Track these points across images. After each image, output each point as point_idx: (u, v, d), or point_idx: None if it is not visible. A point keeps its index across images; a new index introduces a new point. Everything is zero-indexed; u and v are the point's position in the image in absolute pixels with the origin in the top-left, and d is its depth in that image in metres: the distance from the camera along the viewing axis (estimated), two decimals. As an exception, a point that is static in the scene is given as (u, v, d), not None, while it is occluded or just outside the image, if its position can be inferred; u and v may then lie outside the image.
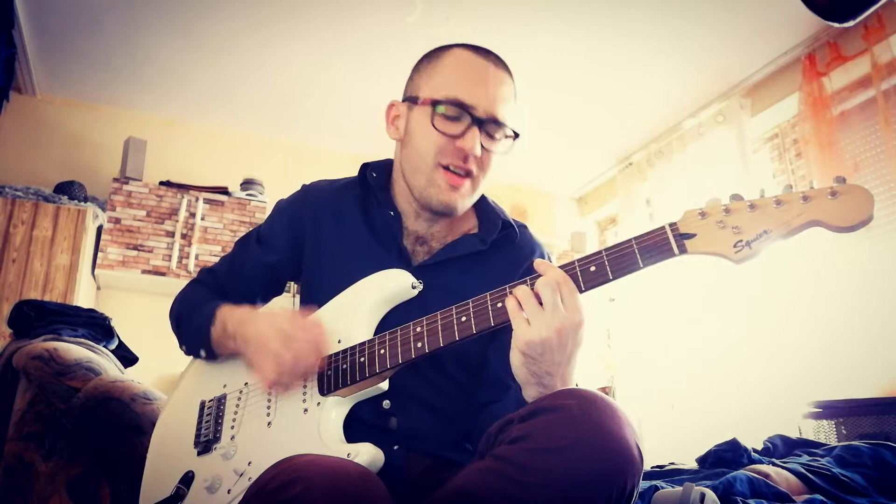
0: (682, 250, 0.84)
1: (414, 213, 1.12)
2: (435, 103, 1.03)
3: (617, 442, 0.71)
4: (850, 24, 2.03)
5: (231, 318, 1.07)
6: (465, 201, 1.07)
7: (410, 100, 1.09)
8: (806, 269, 3.01)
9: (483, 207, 1.17)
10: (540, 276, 0.88)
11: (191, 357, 1.22)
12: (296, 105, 3.83)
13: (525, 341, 0.84)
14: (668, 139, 3.93)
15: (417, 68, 1.12)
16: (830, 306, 2.91)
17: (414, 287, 1.02)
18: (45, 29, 3.16)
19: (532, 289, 0.86)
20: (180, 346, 1.20)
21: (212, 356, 1.13)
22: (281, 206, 1.23)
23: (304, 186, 1.23)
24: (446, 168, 1.04)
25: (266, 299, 1.26)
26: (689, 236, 0.84)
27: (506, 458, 0.74)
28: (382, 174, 1.17)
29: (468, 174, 1.05)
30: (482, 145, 1.03)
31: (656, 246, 0.85)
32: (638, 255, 0.85)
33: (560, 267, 0.89)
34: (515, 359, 0.86)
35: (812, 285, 3.00)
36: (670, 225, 0.86)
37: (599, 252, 0.88)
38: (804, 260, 3.00)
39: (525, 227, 1.19)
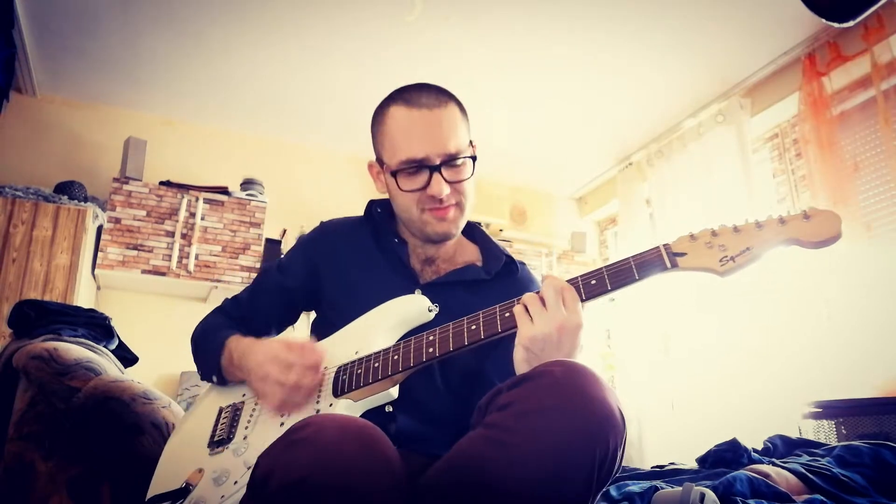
0: (674, 266, 0.94)
1: (420, 243, 1.23)
2: (395, 172, 1.14)
3: (599, 403, 0.76)
4: (850, 24, 2.03)
5: (237, 348, 1.15)
6: (457, 224, 1.17)
7: (380, 162, 1.21)
8: (806, 269, 3.01)
9: (486, 244, 1.28)
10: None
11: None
12: (296, 105, 3.84)
13: (528, 336, 0.91)
14: (668, 139, 3.93)
15: (373, 131, 1.21)
16: (830, 306, 2.91)
17: (430, 310, 1.10)
18: (45, 29, 3.16)
19: (537, 293, 0.94)
20: (198, 372, 1.27)
21: (223, 382, 1.21)
22: (302, 241, 1.33)
23: (321, 223, 1.35)
24: (430, 209, 1.14)
25: (282, 328, 1.34)
26: (681, 255, 0.95)
27: (495, 424, 0.79)
28: (387, 209, 1.28)
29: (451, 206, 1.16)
30: (449, 181, 1.12)
31: (651, 262, 0.95)
32: (635, 270, 0.95)
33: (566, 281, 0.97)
34: (518, 354, 0.93)
35: (812, 285, 3.00)
36: (664, 245, 0.96)
37: (600, 269, 0.97)
38: (804, 260, 3.00)
39: (524, 264, 1.30)
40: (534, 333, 0.90)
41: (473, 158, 1.16)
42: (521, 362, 0.92)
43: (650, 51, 3.24)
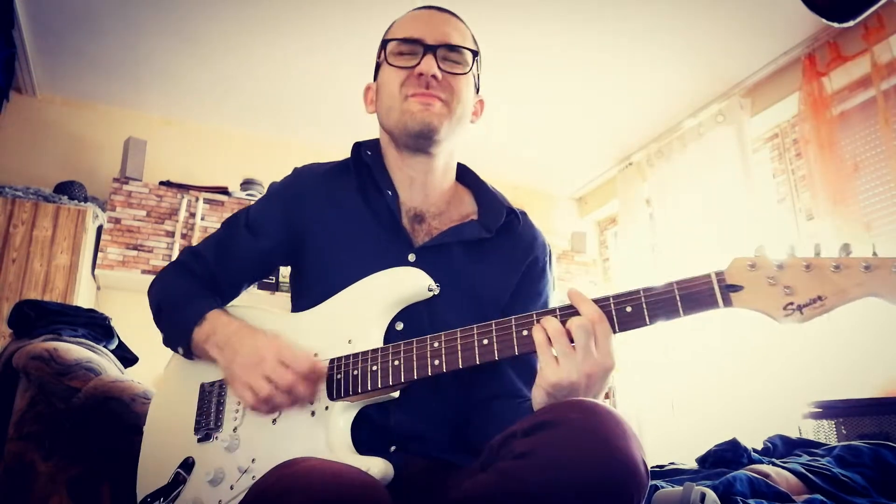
0: (728, 303, 0.80)
1: (408, 180, 1.12)
2: (386, 42, 1.10)
3: (623, 457, 0.70)
4: (850, 24, 2.03)
5: (225, 329, 1.03)
6: (441, 121, 1.05)
7: (376, 69, 1.15)
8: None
9: (483, 193, 1.17)
10: (570, 307, 0.85)
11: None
12: (296, 105, 3.83)
13: (552, 382, 0.82)
14: (668, 139, 3.93)
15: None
16: (830, 306, 2.91)
17: (430, 290, 1.00)
18: (45, 29, 3.16)
19: (563, 324, 0.83)
20: (161, 333, 1.15)
21: (189, 356, 1.09)
22: (274, 190, 1.19)
23: (295, 169, 1.20)
24: (414, 95, 1.06)
25: (252, 283, 1.23)
26: (737, 289, 0.79)
27: (510, 473, 0.73)
28: (376, 151, 1.16)
29: (437, 98, 1.06)
30: (442, 68, 1.05)
31: (700, 295, 0.81)
32: (679, 303, 0.81)
33: (594, 301, 0.84)
34: (539, 396, 0.85)
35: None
36: (717, 274, 0.81)
37: (637, 291, 0.83)
38: (804, 260, 3.00)
39: (525, 213, 1.18)
40: (559, 380, 0.81)
41: (475, 54, 1.10)
42: (541, 405, 0.84)
43: (650, 51, 3.24)
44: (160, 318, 1.14)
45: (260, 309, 1.13)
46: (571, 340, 0.82)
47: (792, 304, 0.77)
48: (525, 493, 0.70)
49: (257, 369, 0.93)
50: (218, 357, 1.02)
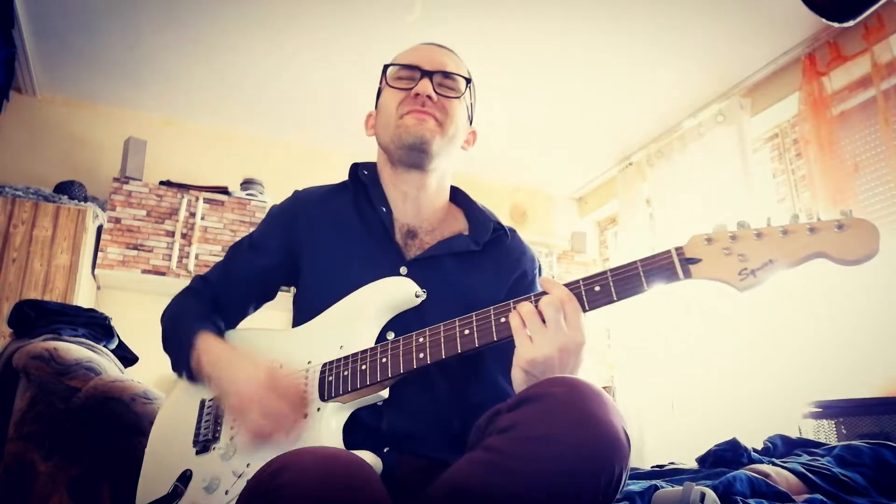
0: (687, 275, 0.86)
1: (402, 196, 1.17)
2: (387, 67, 1.18)
3: (604, 427, 0.72)
4: (850, 24, 2.03)
5: (207, 355, 1.06)
6: (434, 137, 1.11)
7: (377, 95, 1.23)
8: (806, 269, 3.01)
9: (472, 211, 1.22)
10: (544, 293, 0.89)
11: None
12: (296, 105, 3.84)
13: (527, 359, 0.85)
14: (668, 139, 3.93)
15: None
16: (830, 306, 2.91)
17: (417, 296, 1.04)
18: (45, 29, 3.16)
19: (536, 306, 0.88)
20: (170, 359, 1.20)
21: (192, 380, 1.13)
22: (274, 212, 1.25)
23: (295, 192, 1.27)
24: (410, 112, 1.12)
25: (259, 305, 1.27)
26: (695, 261, 0.86)
27: (495, 448, 0.75)
28: (373, 171, 1.23)
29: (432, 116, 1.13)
30: (437, 91, 1.13)
31: (661, 269, 0.87)
32: (643, 278, 0.87)
33: (565, 285, 0.90)
34: (517, 375, 0.88)
35: (812, 285, 3.00)
36: (676, 249, 0.87)
37: (604, 272, 0.89)
38: (804, 260, 3.00)
39: (514, 230, 1.23)
40: (534, 356, 0.85)
41: (468, 81, 1.17)
42: (521, 384, 0.87)
43: (650, 51, 3.24)
44: (165, 345, 1.20)
45: (256, 330, 1.18)
46: (544, 321, 0.86)
47: (746, 269, 0.83)
48: (509, 468, 0.72)
49: (248, 417, 0.96)
50: (210, 388, 1.08)
